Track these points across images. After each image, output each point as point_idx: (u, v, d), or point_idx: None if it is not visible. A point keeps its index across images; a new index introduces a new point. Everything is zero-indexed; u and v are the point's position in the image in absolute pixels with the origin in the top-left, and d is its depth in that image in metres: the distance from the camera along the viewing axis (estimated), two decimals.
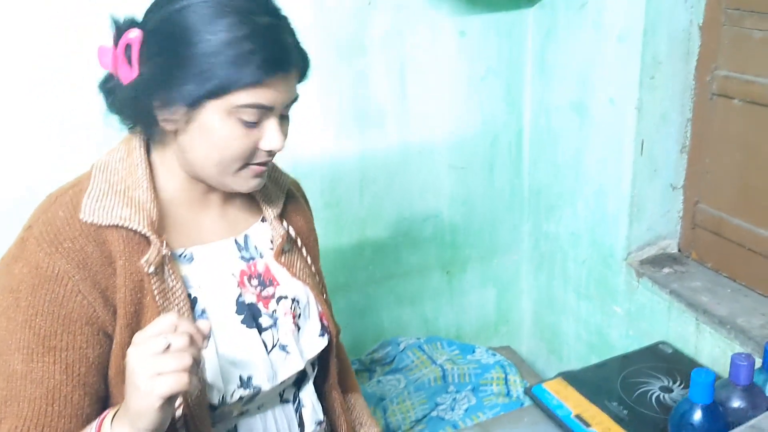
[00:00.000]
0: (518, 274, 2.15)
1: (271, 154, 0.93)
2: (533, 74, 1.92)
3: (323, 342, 1.08)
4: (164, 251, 0.90)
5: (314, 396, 1.10)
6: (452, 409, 1.77)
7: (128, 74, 0.88)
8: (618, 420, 1.26)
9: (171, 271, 0.91)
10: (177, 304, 0.91)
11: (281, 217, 1.08)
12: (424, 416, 1.75)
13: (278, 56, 0.87)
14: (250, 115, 0.87)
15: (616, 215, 1.69)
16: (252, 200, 1.07)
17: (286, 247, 1.06)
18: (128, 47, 0.88)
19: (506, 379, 1.86)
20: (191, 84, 0.84)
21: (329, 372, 1.14)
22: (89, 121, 1.28)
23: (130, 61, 0.88)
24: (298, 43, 0.91)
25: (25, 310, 0.84)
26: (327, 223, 1.85)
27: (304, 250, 1.10)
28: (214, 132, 0.87)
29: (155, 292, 0.89)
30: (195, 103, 0.86)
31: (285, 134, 0.93)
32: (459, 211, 2.01)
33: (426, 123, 1.88)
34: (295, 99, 0.93)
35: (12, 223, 0.98)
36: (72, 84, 1.47)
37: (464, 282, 2.10)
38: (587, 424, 1.25)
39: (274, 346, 0.99)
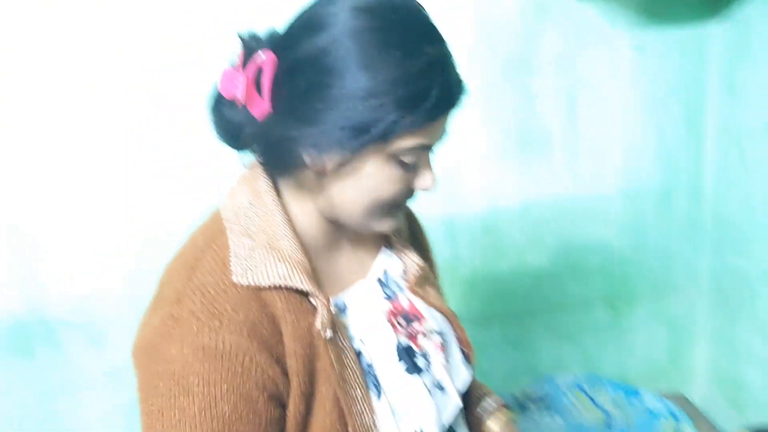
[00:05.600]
0: (694, 313, 1.95)
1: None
2: (719, 95, 1.74)
3: (469, 371, 0.96)
4: (333, 309, 0.79)
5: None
6: None
7: (260, 106, 0.75)
8: None
9: (338, 329, 0.81)
10: (349, 366, 0.80)
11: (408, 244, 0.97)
12: None
13: (451, 93, 0.75)
14: (411, 157, 0.76)
15: None
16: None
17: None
18: (259, 72, 0.75)
19: (678, 431, 1.68)
20: (353, 129, 0.71)
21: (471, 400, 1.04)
22: None
23: (259, 90, 0.75)
24: (459, 74, 0.78)
25: (201, 398, 0.71)
26: (485, 248, 1.78)
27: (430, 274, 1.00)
28: (370, 178, 0.76)
29: (333, 358, 0.78)
30: (356, 151, 0.73)
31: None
32: (629, 241, 1.86)
33: (596, 146, 1.75)
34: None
35: None
36: None
37: (632, 319, 1.94)
38: None
39: (433, 388, 0.89)
